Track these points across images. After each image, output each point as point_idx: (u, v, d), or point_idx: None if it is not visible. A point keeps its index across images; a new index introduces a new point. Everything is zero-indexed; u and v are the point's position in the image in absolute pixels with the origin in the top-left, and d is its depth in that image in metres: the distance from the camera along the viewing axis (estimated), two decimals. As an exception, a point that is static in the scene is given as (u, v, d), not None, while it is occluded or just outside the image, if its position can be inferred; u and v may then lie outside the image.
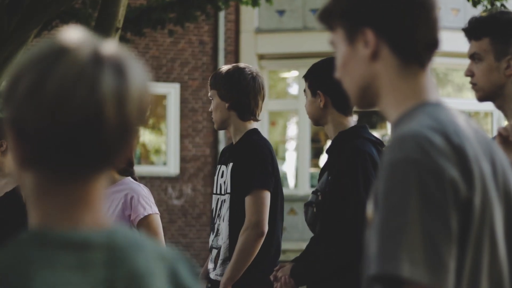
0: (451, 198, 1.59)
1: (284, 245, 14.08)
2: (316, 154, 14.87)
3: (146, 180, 13.37)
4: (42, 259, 1.29)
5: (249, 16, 14.38)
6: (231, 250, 4.11)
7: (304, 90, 3.95)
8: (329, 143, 3.94)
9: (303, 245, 4.00)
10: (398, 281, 1.55)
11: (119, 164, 1.36)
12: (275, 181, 4.13)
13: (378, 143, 3.81)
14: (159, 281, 1.34)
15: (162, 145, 14.55)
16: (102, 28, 6.70)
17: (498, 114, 13.71)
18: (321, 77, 3.84)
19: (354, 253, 3.59)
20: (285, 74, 15.46)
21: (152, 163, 14.63)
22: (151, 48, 14.06)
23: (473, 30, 3.09)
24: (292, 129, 15.33)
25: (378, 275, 1.57)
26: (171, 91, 14.14)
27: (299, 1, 14.33)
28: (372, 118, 14.95)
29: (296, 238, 13.43)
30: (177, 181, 14.27)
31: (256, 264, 4.08)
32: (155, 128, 14.56)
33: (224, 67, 4.31)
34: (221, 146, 14.09)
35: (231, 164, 4.16)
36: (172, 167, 14.29)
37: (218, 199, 4.23)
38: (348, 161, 3.67)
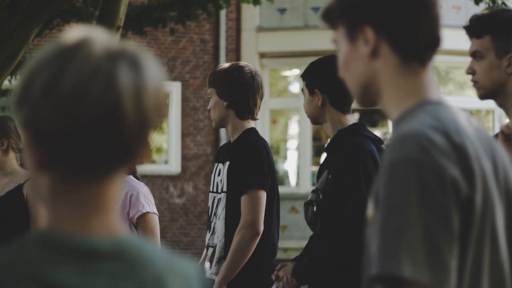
0: (452, 197, 1.59)
1: (286, 244, 14.07)
2: (317, 152, 14.86)
3: (148, 178, 13.37)
4: (43, 262, 1.26)
5: (250, 15, 14.37)
6: (226, 249, 4.10)
7: (302, 89, 3.95)
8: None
9: (304, 244, 4.00)
10: (399, 281, 1.55)
11: (136, 162, 1.33)
12: (271, 181, 4.12)
13: (377, 140, 3.80)
14: None
15: (163, 144, 14.55)
16: (103, 26, 6.69)
17: (499, 112, 13.70)
18: (318, 76, 3.84)
19: (355, 251, 3.59)
20: (286, 73, 15.45)
21: (153, 161, 14.63)
22: (152, 46, 14.05)
23: (474, 28, 3.08)
24: (293, 127, 15.33)
25: (378, 275, 1.56)
26: (173, 90, 14.14)
27: (300, 0, 14.33)
28: (373, 116, 14.94)
29: (298, 236, 13.43)
30: (178, 180, 14.28)
31: (251, 264, 4.07)
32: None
33: (223, 65, 4.29)
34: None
35: (228, 162, 4.16)
36: (174, 166, 14.30)
37: (214, 197, 4.22)
38: (348, 158, 3.66)
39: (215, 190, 4.23)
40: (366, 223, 3.77)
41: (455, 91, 14.88)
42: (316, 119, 3.88)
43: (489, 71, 3.06)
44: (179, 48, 14.34)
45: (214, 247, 4.16)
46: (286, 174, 15.11)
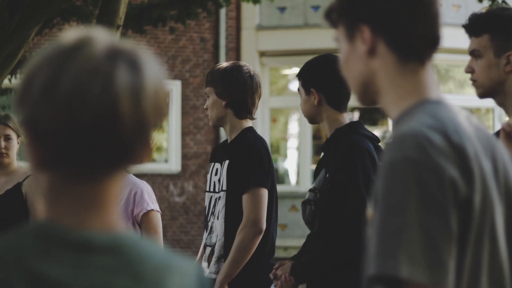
0: (450, 197, 1.58)
1: (286, 242, 14.05)
2: (317, 151, 14.86)
3: (148, 177, 13.37)
4: (35, 252, 1.26)
5: (250, 13, 14.37)
6: (226, 248, 4.09)
7: (298, 89, 3.95)
8: (329, 140, 3.93)
9: (304, 242, 4.00)
10: (397, 281, 1.55)
11: (137, 162, 1.33)
12: (271, 179, 4.12)
13: (374, 139, 3.80)
14: None
15: (163, 142, 14.55)
16: (103, 25, 6.70)
17: (499, 110, 13.69)
18: (313, 75, 3.84)
19: (353, 250, 3.59)
20: (286, 71, 15.45)
21: (153, 160, 14.63)
22: (152, 45, 14.05)
23: (472, 26, 3.08)
24: (293, 126, 15.33)
25: (377, 276, 1.56)
26: (173, 89, 14.14)
27: (300, -2, 14.33)
28: (373, 115, 14.94)
29: (298, 235, 13.43)
30: (178, 178, 14.28)
31: (252, 263, 4.06)
32: (157, 126, 14.56)
33: (222, 65, 4.28)
34: (223, 143, 14.09)
35: (227, 161, 4.14)
36: (174, 164, 14.30)
37: (211, 196, 4.20)
38: (345, 157, 3.66)
39: (212, 190, 4.21)
40: (364, 222, 3.77)
41: (455, 90, 14.88)
42: (313, 118, 3.88)
43: (488, 70, 3.06)
44: (179, 46, 14.34)
45: (212, 246, 4.14)
46: (286, 173, 15.11)
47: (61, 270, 1.25)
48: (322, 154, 3.91)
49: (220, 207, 4.13)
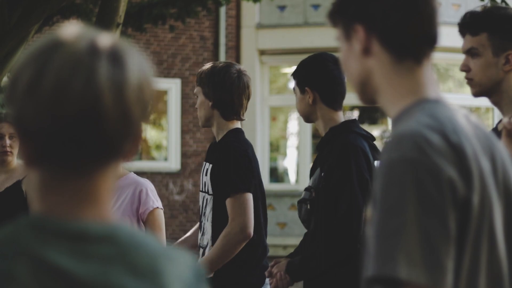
0: (449, 197, 1.58)
1: (285, 241, 13.98)
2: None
3: (147, 175, 13.37)
4: (36, 242, 1.27)
5: (250, 12, 14.37)
6: None
7: (293, 89, 3.94)
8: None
9: (304, 241, 4.00)
10: (395, 282, 1.54)
11: (126, 157, 1.34)
12: (256, 182, 4.07)
13: (369, 137, 3.80)
14: (166, 278, 1.31)
15: (163, 141, 14.55)
16: (103, 23, 6.70)
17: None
18: (308, 74, 3.84)
19: (349, 248, 3.59)
20: (286, 70, 15.45)
21: (153, 158, 14.63)
22: (152, 43, 14.06)
23: (470, 25, 3.07)
24: (293, 125, 15.33)
25: (375, 277, 1.56)
26: (172, 87, 14.14)
27: (300, -3, 14.33)
28: (373, 114, 14.94)
29: (298, 233, 13.43)
30: (178, 177, 14.28)
31: (243, 266, 4.03)
32: (156, 124, 14.57)
33: (209, 65, 4.20)
34: (222, 141, 14.09)
35: (210, 165, 4.12)
36: (173, 163, 14.30)
37: (203, 196, 4.18)
38: (340, 155, 3.65)
39: (203, 190, 4.19)
40: (359, 220, 3.75)
41: (454, 89, 14.88)
42: (308, 117, 3.87)
43: (486, 69, 3.05)
44: (179, 45, 14.34)
45: (204, 249, 4.12)
46: (285, 172, 15.12)
47: (62, 260, 1.26)
48: (318, 152, 3.91)
49: (208, 210, 4.11)
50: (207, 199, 4.14)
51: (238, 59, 14.35)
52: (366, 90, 1.80)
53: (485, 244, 1.66)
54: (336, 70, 3.79)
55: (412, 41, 1.75)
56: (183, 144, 14.37)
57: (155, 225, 4.40)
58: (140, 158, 14.12)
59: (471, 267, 1.64)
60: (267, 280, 3.96)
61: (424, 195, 1.56)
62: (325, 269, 3.65)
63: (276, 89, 15.32)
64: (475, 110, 14.69)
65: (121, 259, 1.29)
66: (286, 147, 15.42)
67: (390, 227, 1.56)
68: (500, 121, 3.06)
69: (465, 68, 3.09)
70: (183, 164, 14.33)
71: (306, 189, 3.82)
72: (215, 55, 14.40)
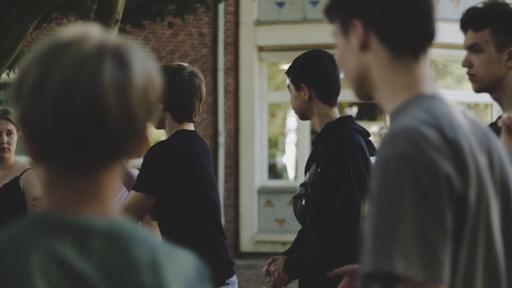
0: (445, 193, 1.58)
1: (284, 237, 13.99)
2: (315, 146, 14.84)
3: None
4: (44, 238, 1.28)
5: (249, 8, 14.36)
6: None
7: (288, 86, 3.94)
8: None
9: (303, 237, 3.99)
10: (392, 278, 1.55)
11: (131, 156, 1.35)
12: (202, 181, 3.97)
13: (364, 133, 3.81)
14: (166, 274, 1.32)
15: (162, 138, 14.53)
16: (102, 20, 6.69)
17: (497, 105, 13.68)
18: (302, 70, 3.84)
19: (345, 244, 3.59)
20: (285, 66, 15.44)
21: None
22: (150, 40, 14.05)
23: (473, 20, 3.07)
24: (291, 121, 15.33)
25: (373, 272, 1.57)
26: (171, 83, 14.13)
27: (298, -7, 14.32)
28: (371, 110, 14.94)
29: (296, 229, 13.39)
30: (177, 173, 14.27)
31: (209, 264, 3.96)
32: (155, 120, 14.56)
33: (163, 67, 4.10)
34: (221, 138, 14.09)
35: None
36: (172, 159, 14.28)
37: None
38: (336, 151, 3.65)
39: None
40: (356, 216, 3.73)
41: (453, 85, 14.87)
42: (303, 114, 3.87)
43: (489, 65, 3.05)
44: (178, 41, 14.33)
45: None
46: (284, 168, 15.12)
47: (69, 254, 1.27)
48: (314, 148, 3.90)
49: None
50: None
51: (236, 56, 14.34)
52: (363, 86, 1.80)
53: (482, 240, 1.66)
54: (331, 66, 3.81)
55: (410, 37, 1.76)
56: (182, 140, 14.35)
57: (153, 221, 4.41)
58: (140, 156, 14.10)
59: (468, 262, 1.64)
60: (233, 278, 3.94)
61: (420, 191, 1.57)
62: (322, 265, 3.63)
63: (274, 85, 15.32)
64: (474, 106, 14.69)
65: (122, 254, 1.30)
66: (285, 143, 15.42)
67: (387, 223, 1.56)
68: (500, 117, 3.06)
69: (468, 64, 3.09)
70: (182, 161, 14.31)
71: (301, 185, 3.82)
72: (213, 52, 14.39)
